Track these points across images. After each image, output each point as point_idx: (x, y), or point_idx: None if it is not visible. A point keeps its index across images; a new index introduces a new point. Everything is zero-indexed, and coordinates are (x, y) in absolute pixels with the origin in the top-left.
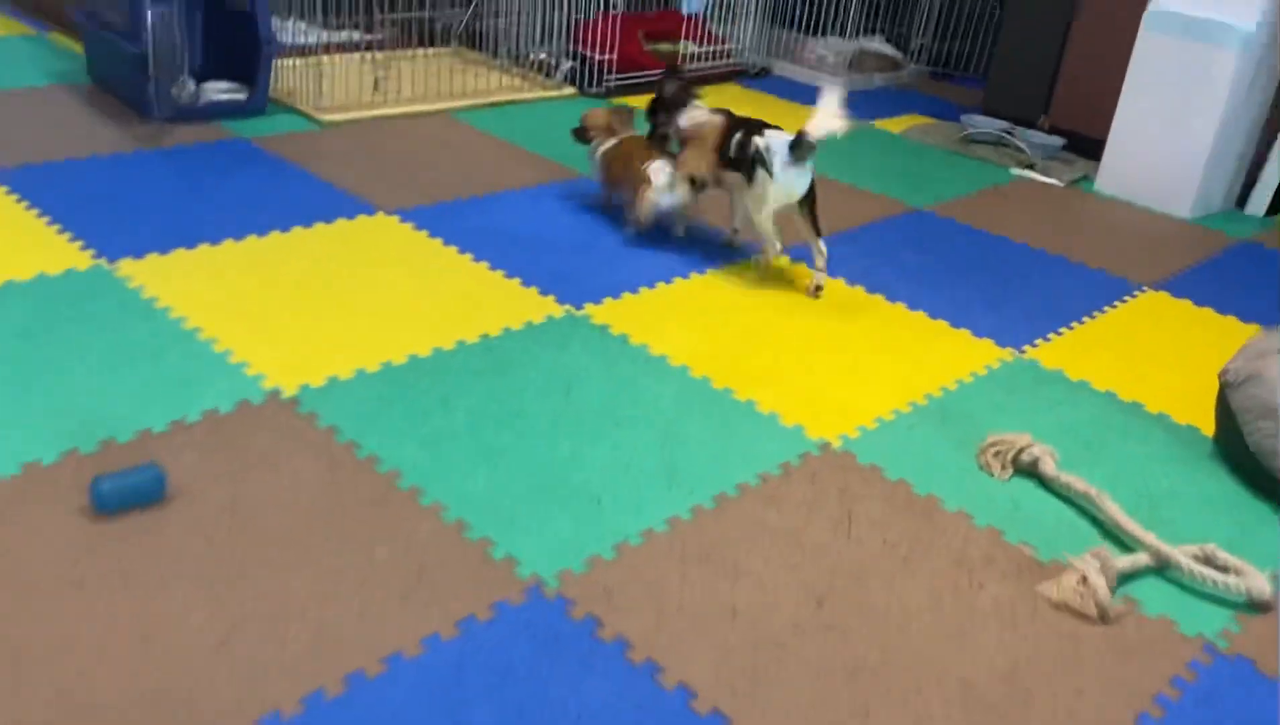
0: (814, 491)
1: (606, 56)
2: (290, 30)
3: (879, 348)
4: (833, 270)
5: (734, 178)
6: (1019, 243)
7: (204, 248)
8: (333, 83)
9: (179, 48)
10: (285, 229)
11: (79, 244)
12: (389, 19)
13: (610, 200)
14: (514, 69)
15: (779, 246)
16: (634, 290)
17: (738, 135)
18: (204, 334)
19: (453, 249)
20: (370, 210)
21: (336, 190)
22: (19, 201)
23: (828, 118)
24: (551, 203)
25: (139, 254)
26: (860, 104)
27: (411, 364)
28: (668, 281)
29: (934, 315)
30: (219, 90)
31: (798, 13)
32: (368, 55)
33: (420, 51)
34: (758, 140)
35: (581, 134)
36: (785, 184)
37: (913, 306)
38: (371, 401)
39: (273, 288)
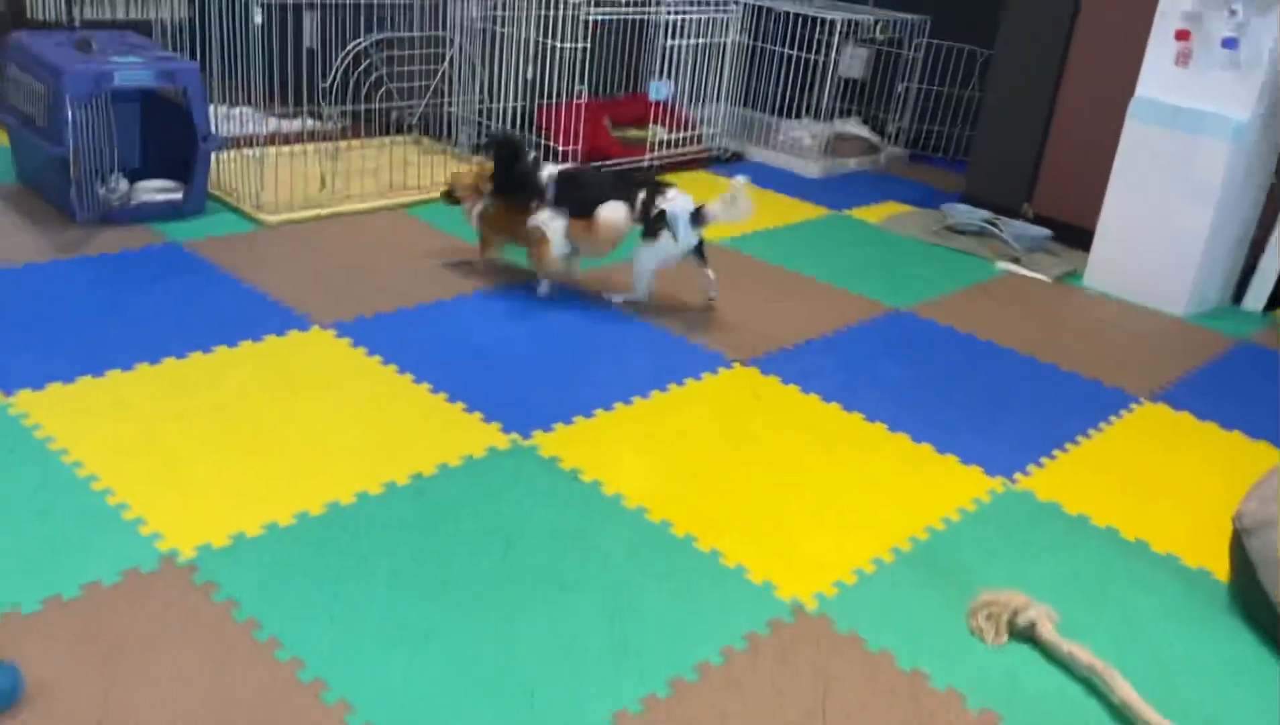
0: (785, 672)
1: (572, 146)
2: (235, 119)
3: (858, 479)
4: (807, 384)
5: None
6: (1006, 348)
7: (114, 375)
8: (277, 178)
9: (107, 146)
10: (207, 349)
11: None
12: (340, 110)
13: (486, 263)
14: (474, 159)
15: (646, 293)
16: (588, 413)
17: (640, 194)
18: (99, 483)
19: (391, 368)
20: (304, 325)
21: (270, 301)
22: None
23: (730, 206)
24: (503, 308)
25: (39, 384)
26: (836, 190)
27: (331, 515)
28: (626, 401)
29: (917, 438)
30: (152, 190)
31: (771, 95)
32: (319, 146)
33: (375, 141)
34: (665, 206)
35: (451, 197)
36: (685, 244)
37: (893, 427)
38: (280, 565)
39: (185, 421)
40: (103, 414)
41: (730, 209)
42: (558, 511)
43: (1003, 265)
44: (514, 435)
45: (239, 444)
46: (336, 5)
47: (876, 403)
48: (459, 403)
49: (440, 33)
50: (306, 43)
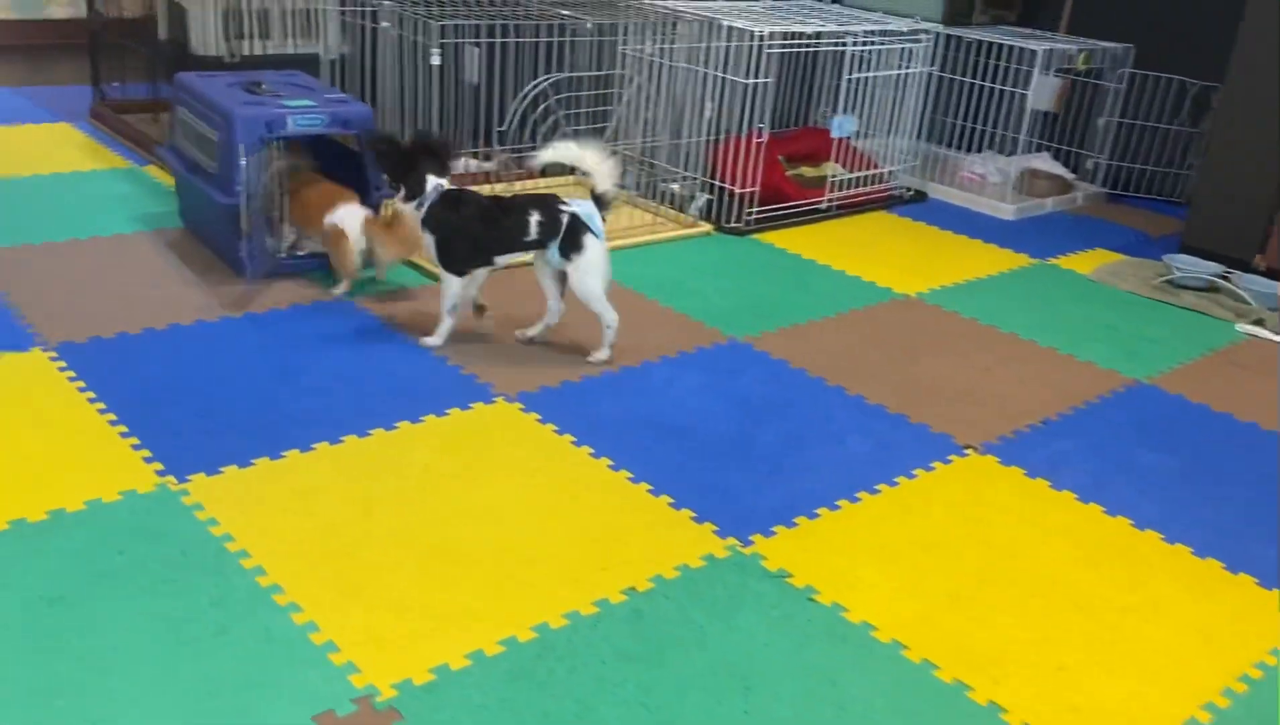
0: None
1: (748, 190)
2: None
3: (1140, 605)
4: (1057, 478)
5: (512, 259)
6: (1269, 431)
7: (293, 456)
8: None
9: (278, 193)
10: (390, 425)
11: (145, 453)
12: (511, 151)
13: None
14: (641, 201)
15: (615, 317)
16: (810, 512)
17: (534, 214)
18: (283, 596)
19: (585, 451)
20: (487, 395)
21: (449, 367)
22: (82, 390)
23: (604, 170)
24: (695, 377)
25: (213, 469)
26: (1035, 234)
27: (542, 642)
28: (851, 498)
29: (1200, 551)
30: None
31: (952, 127)
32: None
33: (537, 183)
34: (573, 208)
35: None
36: (605, 247)
37: (1169, 536)
38: (492, 710)
39: (371, 517)
40: (283, 508)
41: (610, 171)
42: (798, 645)
43: (1245, 327)
44: (731, 540)
45: (430, 545)
46: (503, 42)
47: (1141, 503)
48: (664, 496)
49: (620, 71)
50: (470, 78)
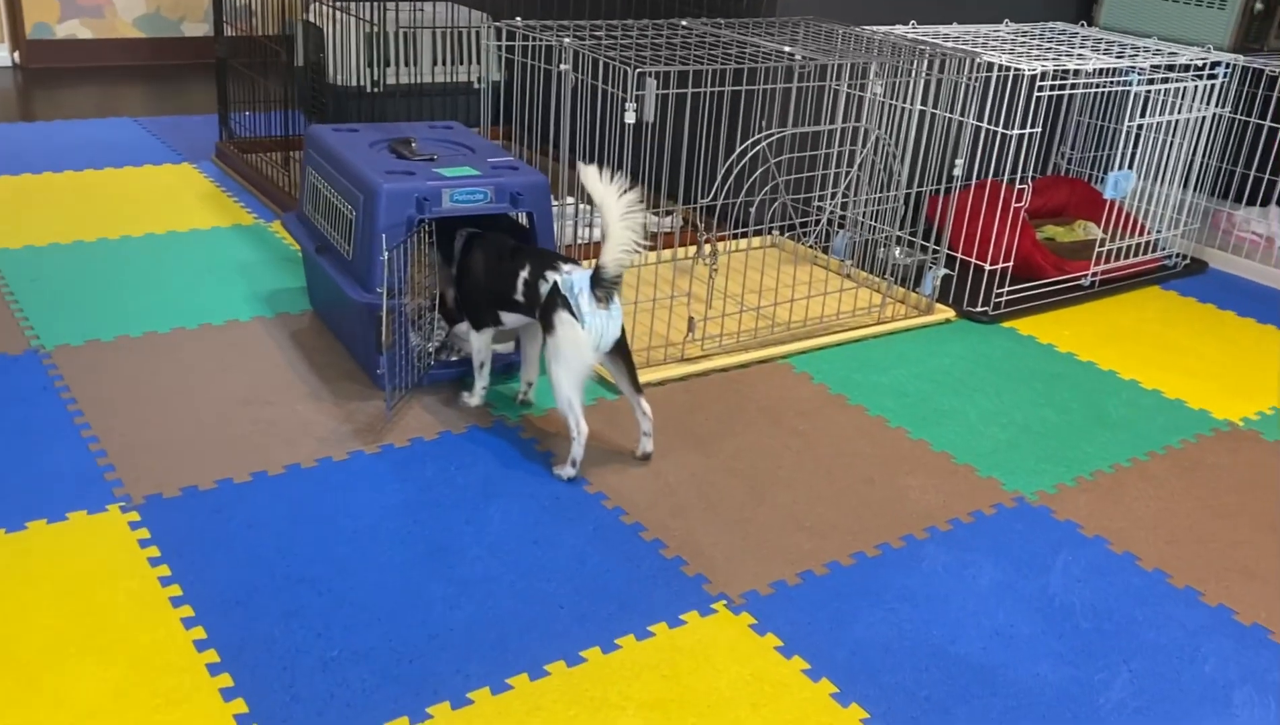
0: None
1: (1001, 264)
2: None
3: None
4: None
5: (515, 321)
6: None
7: (482, 696)
8: (635, 316)
9: (428, 285)
10: (609, 646)
11: (238, 709)
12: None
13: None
14: (859, 275)
15: (585, 428)
16: None
17: (523, 272)
18: None
19: (854, 714)
20: (704, 601)
21: (644, 542)
22: (165, 582)
23: (622, 250)
24: (984, 569)
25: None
26: None
27: None
28: None
29: None
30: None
31: (1227, 175)
32: (685, 259)
33: (734, 245)
34: (556, 276)
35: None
36: (597, 331)
37: None
38: None
39: None
40: None
41: (620, 236)
42: None
43: None
44: None
45: None
46: (716, 91)
47: None
48: None
49: (857, 123)
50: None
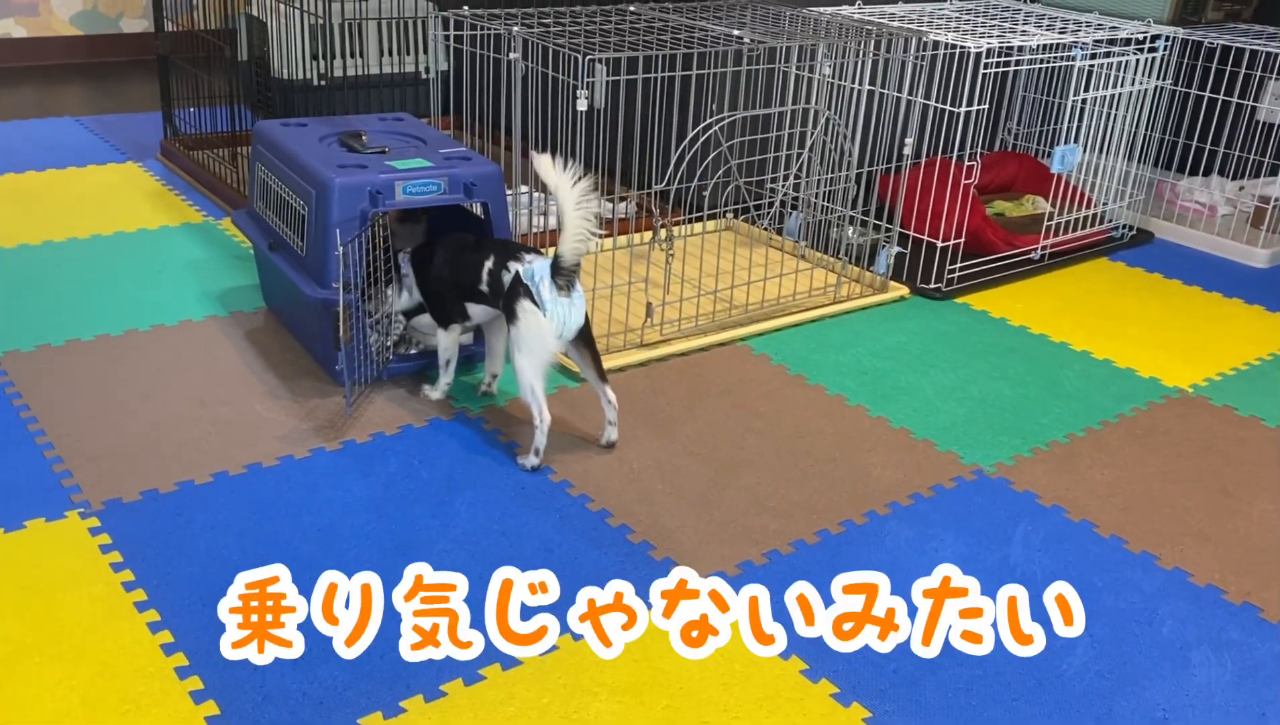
0: None
1: (953, 239)
2: (528, 205)
3: None
4: None
5: (481, 314)
6: None
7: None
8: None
9: (382, 277)
10: (579, 633)
11: (210, 711)
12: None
13: None
14: (814, 255)
15: (547, 417)
16: None
17: (488, 263)
18: None
19: (822, 688)
20: (673, 584)
21: (610, 528)
22: (129, 587)
23: (578, 238)
24: (946, 543)
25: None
26: None
27: None
28: None
29: None
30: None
31: (1168, 147)
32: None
33: (690, 229)
34: (518, 266)
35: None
36: (558, 318)
37: None
38: None
39: None
40: None
41: (575, 225)
42: None
43: None
44: None
45: None
46: (667, 77)
47: None
48: None
49: (807, 105)
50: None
